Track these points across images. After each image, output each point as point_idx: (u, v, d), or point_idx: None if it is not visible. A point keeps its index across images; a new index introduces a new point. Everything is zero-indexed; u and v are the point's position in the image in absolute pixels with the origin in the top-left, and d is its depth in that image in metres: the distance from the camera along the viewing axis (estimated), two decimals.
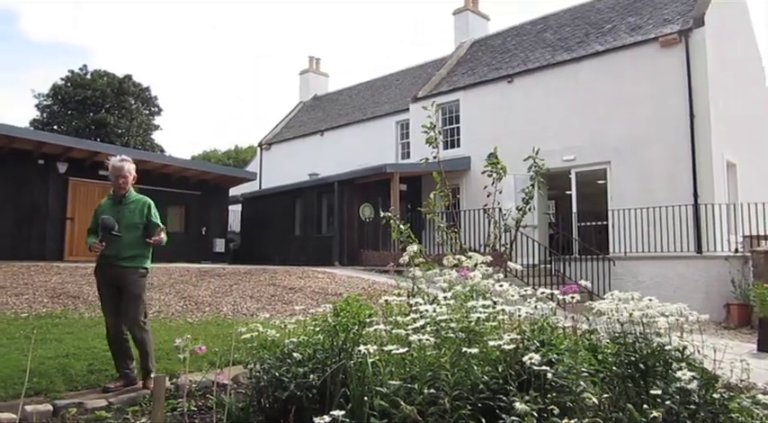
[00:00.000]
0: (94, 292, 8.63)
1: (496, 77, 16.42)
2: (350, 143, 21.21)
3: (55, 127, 33.68)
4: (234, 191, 19.89)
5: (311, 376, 3.15)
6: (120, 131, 34.15)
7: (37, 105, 35.27)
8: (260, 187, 22.29)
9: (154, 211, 4.68)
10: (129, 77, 36.03)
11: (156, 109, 38.14)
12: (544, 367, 2.44)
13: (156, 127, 38.23)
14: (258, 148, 27.20)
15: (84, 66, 37.51)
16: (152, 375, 4.26)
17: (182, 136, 72.84)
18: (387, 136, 20.25)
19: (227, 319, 7.57)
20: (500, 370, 2.61)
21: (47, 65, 68.80)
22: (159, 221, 4.71)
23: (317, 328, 3.42)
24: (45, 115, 34.95)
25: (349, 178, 16.50)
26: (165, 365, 4.78)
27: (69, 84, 34.83)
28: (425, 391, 2.51)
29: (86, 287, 8.89)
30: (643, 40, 13.44)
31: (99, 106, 34.67)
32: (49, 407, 3.73)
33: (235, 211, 20.83)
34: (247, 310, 8.23)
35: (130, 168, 4.67)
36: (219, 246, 17.78)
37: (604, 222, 13.54)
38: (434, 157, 5.34)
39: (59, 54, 69.04)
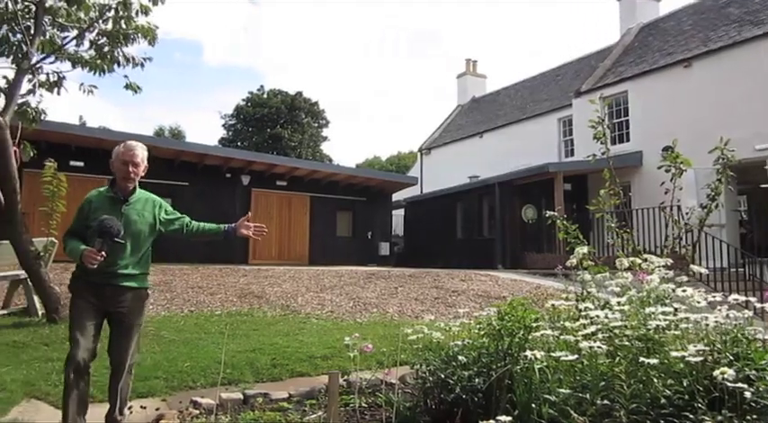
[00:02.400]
0: (276, 293, 9.49)
1: (670, 63, 14.99)
2: (510, 144, 20.77)
3: (238, 143, 37.52)
4: (396, 196, 20.51)
5: (476, 380, 3.13)
6: (293, 144, 37.00)
7: (223, 125, 39.74)
8: (421, 191, 22.74)
9: (169, 208, 3.62)
10: (299, 94, 38.99)
11: (324, 121, 40.79)
12: (740, 384, 2.16)
13: (325, 138, 40.95)
14: (419, 154, 27.77)
15: (262, 86, 41.41)
16: None
17: (347, 145, 77.04)
18: (548, 134, 19.49)
19: (394, 320, 7.80)
20: (685, 384, 2.36)
21: (227, 89, 77.12)
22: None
23: (482, 332, 3.38)
24: (230, 133, 39.15)
25: (509, 179, 16.16)
26: (337, 363, 5.05)
27: (249, 103, 38.63)
28: (598, 401, 2.37)
29: (268, 288, 9.74)
30: None
31: (275, 122, 37.90)
32: (240, 395, 4.14)
33: (398, 215, 21.47)
34: (412, 312, 8.41)
35: (144, 155, 3.46)
36: (384, 249, 18.43)
37: None
38: (602, 154, 5.02)
39: (237, 78, 76.96)
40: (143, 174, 3.45)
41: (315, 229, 17.25)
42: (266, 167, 16.26)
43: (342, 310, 8.47)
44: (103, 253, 3.08)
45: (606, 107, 16.06)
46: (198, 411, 3.78)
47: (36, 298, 6.75)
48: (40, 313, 6.72)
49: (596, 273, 3.59)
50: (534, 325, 3.07)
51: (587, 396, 2.42)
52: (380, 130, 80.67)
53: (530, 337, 3.06)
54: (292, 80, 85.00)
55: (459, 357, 3.35)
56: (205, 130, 74.88)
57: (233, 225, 3.58)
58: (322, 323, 7.46)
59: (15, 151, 6.62)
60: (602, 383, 2.44)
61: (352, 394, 3.89)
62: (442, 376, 3.30)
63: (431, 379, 3.41)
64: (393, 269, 14.06)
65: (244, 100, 39.12)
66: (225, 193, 15.74)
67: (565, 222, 4.33)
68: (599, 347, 2.51)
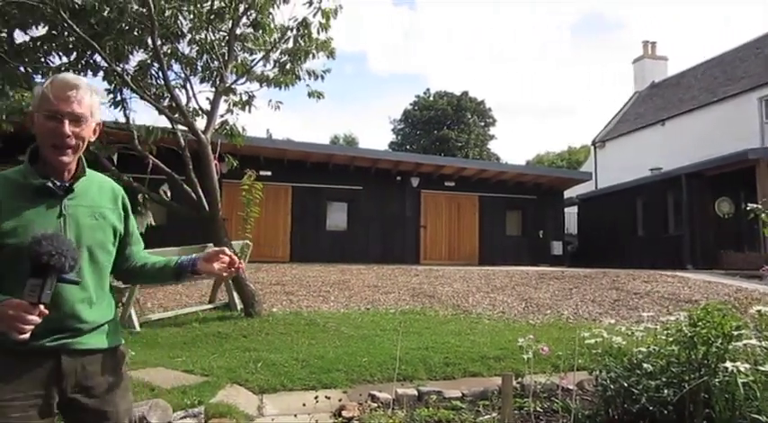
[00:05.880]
0: (447, 293, 9.60)
1: None
2: (697, 131, 18.73)
3: (407, 147, 38.65)
4: (569, 193, 19.61)
5: (665, 391, 2.88)
6: (460, 144, 37.15)
7: (392, 129, 41.22)
8: (596, 187, 21.45)
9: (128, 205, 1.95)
10: (465, 94, 39.06)
11: (491, 120, 40.38)
12: None
13: (492, 137, 40.51)
14: (591, 147, 26.24)
15: (428, 89, 42.22)
16: None
17: (515, 143, 75.39)
18: (745, 117, 17.21)
19: (569, 322, 7.48)
20: None
21: (395, 94, 79.97)
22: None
23: (670, 339, 3.10)
24: (399, 137, 40.49)
25: (699, 170, 14.59)
26: (510, 364, 4.97)
27: (416, 107, 39.61)
28: None
29: (439, 288, 9.90)
30: None
31: (441, 124, 38.38)
32: (415, 392, 4.26)
33: (570, 213, 20.51)
34: (589, 315, 7.99)
35: (94, 102, 1.77)
36: (557, 248, 17.72)
37: None
38: None
39: (403, 83, 79.37)
40: (94, 138, 1.81)
41: (484, 229, 17.15)
42: (434, 169, 16.56)
43: (513, 311, 8.32)
44: (43, 307, 1.46)
45: None
46: (376, 405, 3.96)
47: (235, 294, 7.58)
48: (238, 308, 7.54)
49: None
50: (735, 333, 2.74)
51: None
52: (549, 126, 77.74)
53: (730, 346, 2.73)
54: (457, 81, 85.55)
55: (645, 365, 3.11)
56: (376, 135, 78.67)
57: (192, 257, 1.90)
58: (493, 324, 7.39)
59: (216, 164, 7.51)
60: None
61: (526, 398, 3.80)
62: (625, 385, 3.08)
63: (612, 387, 3.21)
64: (566, 269, 13.46)
65: (411, 104, 40.22)
66: (395, 195, 16.30)
67: None
68: None
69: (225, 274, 1.89)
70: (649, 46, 26.22)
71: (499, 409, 3.47)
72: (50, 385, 1.64)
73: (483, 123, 39.98)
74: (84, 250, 1.71)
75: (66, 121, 1.67)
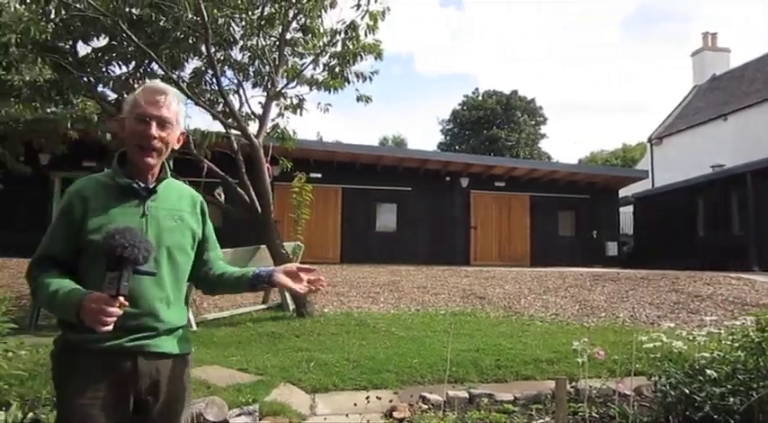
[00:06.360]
0: (498, 294, 9.49)
1: None
2: (762, 125, 17.84)
3: (456, 147, 38.38)
4: (624, 192, 19.04)
5: (731, 399, 2.76)
6: (510, 144, 36.62)
7: (441, 130, 41.05)
8: (652, 186, 20.73)
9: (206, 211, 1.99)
10: (515, 93, 38.49)
11: (542, 119, 39.64)
12: None
13: (543, 136, 39.77)
14: (648, 145, 25.38)
15: (476, 89, 41.81)
16: None
17: (567, 141, 73.78)
18: None
19: (625, 325, 7.26)
20: None
21: (442, 94, 79.63)
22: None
23: (736, 344, 2.97)
24: (448, 138, 40.26)
25: (765, 167, 13.88)
26: (564, 368, 4.86)
27: (465, 107, 39.30)
28: None
29: (490, 289, 9.78)
30: None
31: (491, 123, 37.93)
32: (466, 394, 4.22)
33: (626, 212, 19.89)
34: (647, 318, 7.73)
35: (181, 109, 1.86)
36: (612, 249, 17.22)
37: None
38: None
39: (451, 83, 78.86)
40: (179, 146, 1.90)
41: (535, 230, 16.86)
42: (484, 169, 16.39)
43: (567, 313, 8.14)
44: (123, 299, 1.53)
45: None
46: (426, 406, 3.95)
47: (287, 295, 7.71)
48: (291, 308, 7.66)
49: None
50: None
51: None
52: (602, 123, 75.62)
53: None
54: (507, 79, 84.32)
55: (708, 371, 2.98)
56: (424, 136, 78.49)
57: (270, 269, 1.89)
58: (546, 326, 7.26)
59: (268, 168, 7.67)
60: None
61: (581, 402, 3.71)
62: (687, 391, 2.97)
63: (672, 393, 3.09)
64: (622, 270, 13.07)
65: (459, 104, 39.92)
66: (445, 196, 16.21)
67: None
68: None
69: (302, 292, 1.86)
70: (709, 38, 25.16)
71: (553, 414, 3.40)
72: (128, 386, 1.71)
73: (533, 122, 39.28)
74: (164, 250, 1.77)
75: (154, 124, 1.76)
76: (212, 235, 1.99)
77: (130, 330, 1.69)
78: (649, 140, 24.96)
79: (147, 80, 7.55)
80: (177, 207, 1.86)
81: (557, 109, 75.37)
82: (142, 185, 1.79)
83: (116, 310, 1.52)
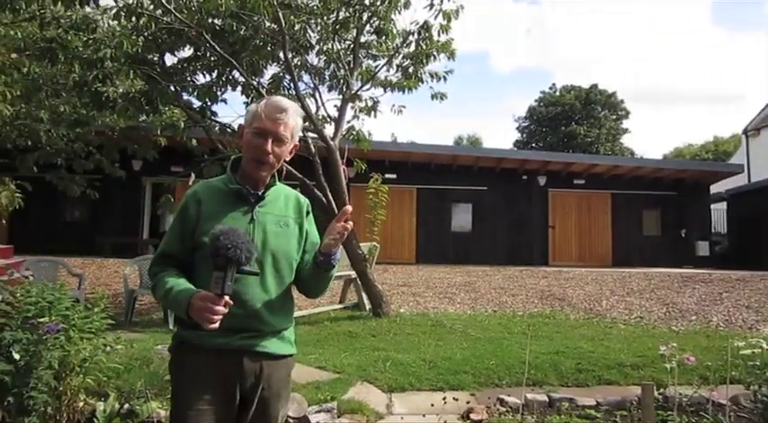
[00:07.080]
0: (578, 296, 9.18)
1: None
2: None
3: (533, 145, 37.50)
4: (715, 188, 17.91)
5: None
6: (589, 140, 35.37)
7: (517, 128, 40.22)
8: (748, 181, 19.38)
9: (311, 213, 2.07)
10: (594, 87, 37.10)
11: (624, 113, 38.00)
12: None
13: (625, 131, 38.09)
14: (743, 137, 23.78)
15: (553, 84, 40.58)
16: None
17: (651, 136, 70.32)
18: None
19: (719, 330, 6.85)
20: None
21: (518, 91, 77.98)
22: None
23: None
24: (524, 135, 39.39)
25: None
26: (650, 373, 4.65)
27: (542, 103, 38.30)
28: None
29: (570, 290, 9.49)
30: None
31: (569, 119, 36.78)
32: (545, 397, 4.12)
33: (718, 209, 18.70)
34: (743, 322, 7.26)
35: (298, 124, 1.96)
36: (702, 249, 16.23)
37: None
38: None
39: (526, 80, 77.03)
40: (289, 158, 2.00)
41: (617, 229, 16.17)
42: (562, 167, 15.91)
43: (653, 316, 7.77)
44: (227, 298, 1.64)
45: None
46: (504, 409, 3.89)
47: (364, 295, 7.81)
48: (367, 308, 7.76)
49: None
50: None
51: None
52: (690, 116, 71.55)
53: None
54: (585, 73, 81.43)
55: None
56: (499, 135, 77.18)
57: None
58: (630, 329, 6.96)
59: (343, 169, 7.80)
60: None
61: (670, 411, 3.53)
62: None
63: None
64: (714, 271, 12.31)
65: (536, 101, 38.98)
66: (522, 195, 15.87)
67: None
68: None
69: (338, 232, 1.86)
70: None
71: (638, 421, 3.25)
72: (234, 384, 1.80)
73: (615, 117, 37.70)
74: (269, 255, 1.85)
75: (270, 140, 1.86)
76: (313, 238, 2.02)
77: (238, 330, 1.78)
78: (744, 132, 23.36)
79: (229, 88, 7.91)
80: (283, 213, 1.95)
81: (639, 102, 72.03)
82: (252, 192, 1.90)
83: (221, 309, 1.63)
